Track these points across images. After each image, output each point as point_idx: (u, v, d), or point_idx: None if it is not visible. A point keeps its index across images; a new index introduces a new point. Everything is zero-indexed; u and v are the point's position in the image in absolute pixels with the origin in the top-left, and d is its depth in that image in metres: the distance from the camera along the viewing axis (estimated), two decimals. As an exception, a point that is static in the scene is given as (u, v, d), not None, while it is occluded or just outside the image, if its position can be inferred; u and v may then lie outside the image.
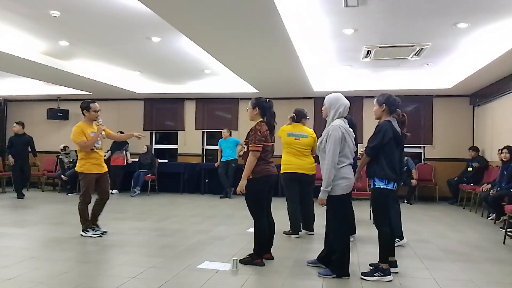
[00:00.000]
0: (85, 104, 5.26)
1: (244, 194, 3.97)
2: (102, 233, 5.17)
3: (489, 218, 6.96)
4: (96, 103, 5.32)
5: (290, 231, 5.29)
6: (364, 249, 4.71)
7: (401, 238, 4.82)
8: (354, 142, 3.79)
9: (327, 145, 3.58)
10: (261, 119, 4.04)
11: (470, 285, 3.51)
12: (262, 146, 3.89)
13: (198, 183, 10.31)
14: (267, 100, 4.13)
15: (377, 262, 3.88)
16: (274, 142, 4.12)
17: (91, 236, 5.06)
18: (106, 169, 5.39)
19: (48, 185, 11.01)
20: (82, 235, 5.10)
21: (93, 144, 5.12)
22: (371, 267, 3.78)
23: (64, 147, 10.34)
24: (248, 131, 4.01)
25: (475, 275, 3.77)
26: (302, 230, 5.35)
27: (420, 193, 9.39)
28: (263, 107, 4.06)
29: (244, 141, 4.04)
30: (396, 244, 4.91)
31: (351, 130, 3.76)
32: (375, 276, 3.58)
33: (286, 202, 5.35)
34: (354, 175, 3.82)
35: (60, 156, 10.36)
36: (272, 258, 4.14)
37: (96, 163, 5.20)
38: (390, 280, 3.56)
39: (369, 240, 5.21)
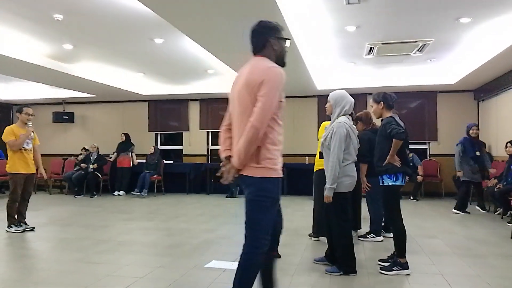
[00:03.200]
0: (19, 108, 5.70)
1: None
2: (28, 229, 5.52)
3: (496, 213, 6.93)
4: (30, 108, 5.69)
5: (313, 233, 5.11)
6: (371, 246, 4.72)
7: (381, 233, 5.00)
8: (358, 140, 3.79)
9: (332, 142, 3.58)
10: None
11: (478, 280, 3.51)
12: None
13: (204, 183, 10.34)
14: None
15: (386, 257, 3.91)
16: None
17: (14, 232, 5.42)
18: (34, 170, 5.66)
19: (55, 188, 11.09)
20: (6, 231, 5.44)
21: (21, 144, 5.45)
22: (382, 263, 3.80)
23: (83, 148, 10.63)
24: None
25: (483, 270, 3.77)
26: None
27: (426, 189, 9.36)
28: None
29: None
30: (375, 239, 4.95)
31: (355, 127, 3.77)
32: (394, 270, 3.61)
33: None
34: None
35: (79, 157, 10.49)
36: (279, 256, 4.15)
37: (24, 163, 5.50)
38: (408, 274, 3.58)
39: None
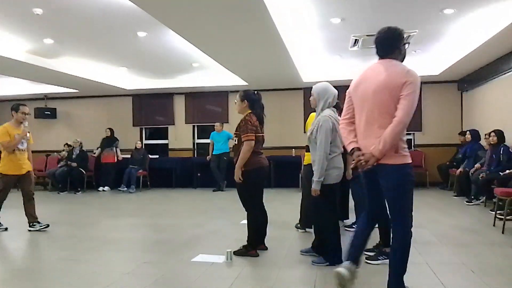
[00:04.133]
0: (15, 106, 5.38)
1: (237, 185, 3.97)
2: (43, 227, 5.29)
3: (480, 201, 7.04)
4: (26, 107, 5.41)
5: (299, 225, 5.10)
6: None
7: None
8: None
9: (318, 136, 3.58)
10: (250, 111, 4.04)
11: (462, 268, 3.56)
12: (254, 135, 3.88)
13: (191, 177, 10.29)
14: (256, 92, 4.12)
15: (372, 247, 3.93)
16: (263, 133, 4.12)
17: None
18: (29, 169, 5.40)
19: (38, 185, 10.91)
20: None
21: (16, 145, 5.20)
22: (368, 253, 3.83)
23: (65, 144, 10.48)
24: (238, 123, 4.00)
25: (467, 258, 3.82)
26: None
27: (411, 180, 9.45)
28: (252, 99, 4.05)
29: (235, 134, 4.03)
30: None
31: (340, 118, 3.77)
32: (379, 260, 3.65)
33: (302, 195, 5.08)
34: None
35: (62, 153, 10.36)
36: (266, 248, 4.16)
37: (16, 165, 5.27)
38: None
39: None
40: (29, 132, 5.37)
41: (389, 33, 2.80)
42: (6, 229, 5.32)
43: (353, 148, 2.73)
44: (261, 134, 4.05)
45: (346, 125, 2.83)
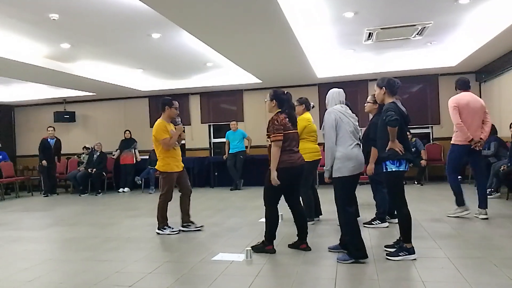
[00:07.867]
0: (167, 101, 5.11)
1: (265, 179, 3.98)
2: (198, 228, 5.19)
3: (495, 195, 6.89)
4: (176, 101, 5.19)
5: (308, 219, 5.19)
6: (377, 232, 4.72)
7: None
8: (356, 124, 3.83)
9: (324, 131, 3.81)
10: (279, 110, 4.05)
11: (485, 263, 3.51)
12: (282, 134, 3.89)
13: (208, 176, 10.35)
14: (285, 92, 4.15)
15: (392, 243, 3.91)
16: (297, 130, 4.12)
17: (168, 234, 5.06)
18: (183, 166, 5.31)
19: (60, 187, 11.14)
20: (158, 233, 5.10)
21: (174, 143, 5.06)
22: (388, 249, 3.81)
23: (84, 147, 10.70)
24: (268, 124, 4.02)
25: (490, 252, 3.76)
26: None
27: (430, 173, 9.35)
28: (281, 99, 4.08)
29: (267, 135, 4.03)
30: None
31: (349, 112, 3.86)
32: (400, 256, 3.61)
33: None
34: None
35: (82, 156, 10.62)
36: (309, 249, 4.07)
37: (177, 161, 5.15)
38: (415, 259, 3.58)
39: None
40: (184, 126, 5.23)
41: (466, 78, 5.35)
42: (179, 231, 5.13)
43: (472, 138, 4.98)
44: (292, 131, 4.00)
45: (463, 125, 5.04)
